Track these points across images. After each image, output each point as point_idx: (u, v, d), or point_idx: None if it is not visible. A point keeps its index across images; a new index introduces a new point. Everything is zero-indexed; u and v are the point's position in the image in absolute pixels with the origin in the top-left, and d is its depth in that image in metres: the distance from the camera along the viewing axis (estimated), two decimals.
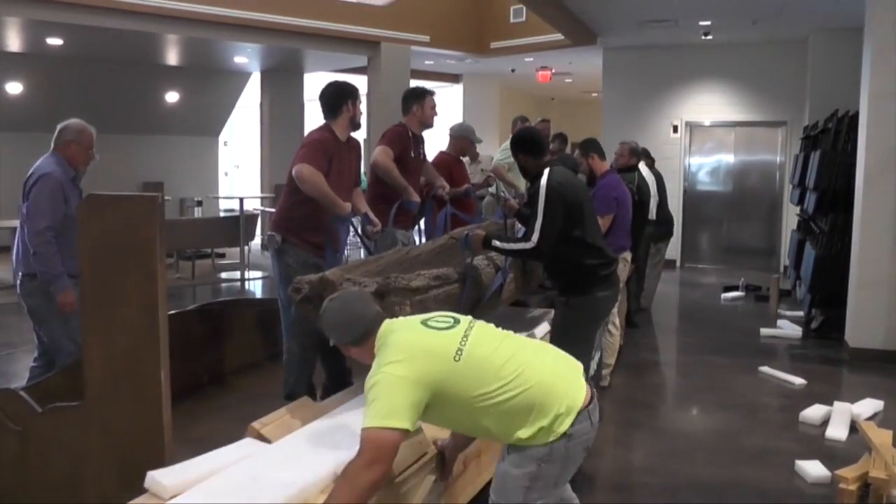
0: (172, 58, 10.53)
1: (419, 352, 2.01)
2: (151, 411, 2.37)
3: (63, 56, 9.79)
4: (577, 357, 2.26)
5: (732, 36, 9.19)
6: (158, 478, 2.02)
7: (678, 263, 10.12)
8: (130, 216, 2.37)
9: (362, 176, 4.15)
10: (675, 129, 10.15)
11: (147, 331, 2.35)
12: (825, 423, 4.23)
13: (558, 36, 9.49)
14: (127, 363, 2.40)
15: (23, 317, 3.88)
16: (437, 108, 4.50)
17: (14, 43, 9.10)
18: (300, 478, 2.04)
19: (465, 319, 2.18)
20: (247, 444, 2.32)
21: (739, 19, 8.19)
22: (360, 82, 6.78)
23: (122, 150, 10.78)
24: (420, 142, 4.48)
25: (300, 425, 2.47)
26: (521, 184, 5.65)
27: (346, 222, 3.59)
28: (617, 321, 4.99)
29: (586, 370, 2.29)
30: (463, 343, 2.05)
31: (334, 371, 3.71)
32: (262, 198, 11.22)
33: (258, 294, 8.45)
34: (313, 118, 5.91)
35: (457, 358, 2.01)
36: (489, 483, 2.57)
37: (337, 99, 3.63)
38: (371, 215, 3.80)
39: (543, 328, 3.80)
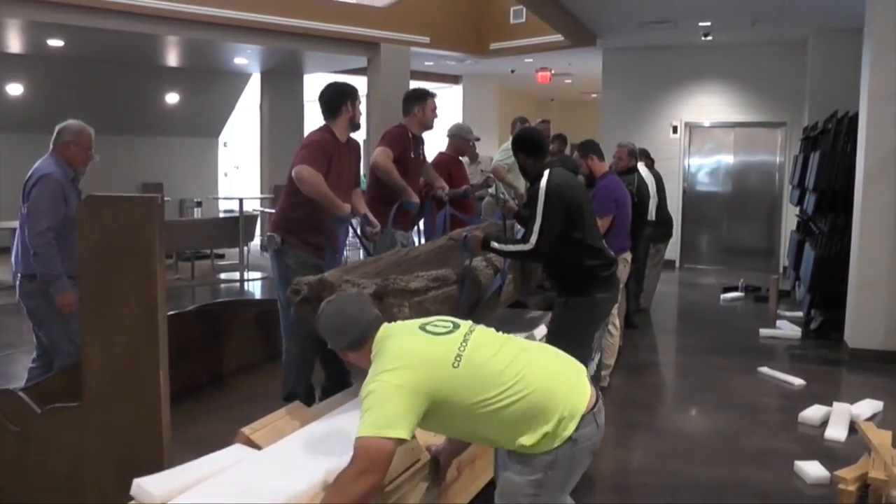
0: (172, 59, 10.54)
1: (417, 359, 1.95)
2: (150, 412, 2.37)
3: (63, 57, 9.79)
4: (577, 359, 2.22)
5: (732, 37, 9.18)
6: (145, 485, 1.97)
7: (677, 264, 10.10)
8: (130, 217, 2.37)
9: (362, 177, 4.16)
10: (675, 129, 10.15)
11: (146, 331, 2.35)
12: (824, 423, 4.24)
13: (558, 37, 9.49)
14: (126, 364, 2.40)
15: (22, 318, 3.89)
16: (438, 110, 4.51)
17: (15, 44, 9.10)
18: (290, 486, 1.99)
19: (465, 324, 2.12)
20: (235, 451, 2.26)
21: (739, 20, 8.18)
22: (360, 83, 6.77)
23: (122, 151, 10.78)
24: (420, 143, 4.48)
25: (291, 430, 2.43)
26: (521, 185, 5.66)
27: (346, 223, 3.59)
28: (617, 322, 4.99)
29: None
30: (462, 349, 1.99)
31: (333, 372, 3.71)
32: (261, 199, 11.23)
33: (257, 295, 8.44)
34: (313, 119, 5.91)
35: (455, 364, 1.96)
36: (484, 489, 2.55)
37: (336, 100, 3.63)
38: (370, 216, 3.80)
39: (543, 329, 3.78)
